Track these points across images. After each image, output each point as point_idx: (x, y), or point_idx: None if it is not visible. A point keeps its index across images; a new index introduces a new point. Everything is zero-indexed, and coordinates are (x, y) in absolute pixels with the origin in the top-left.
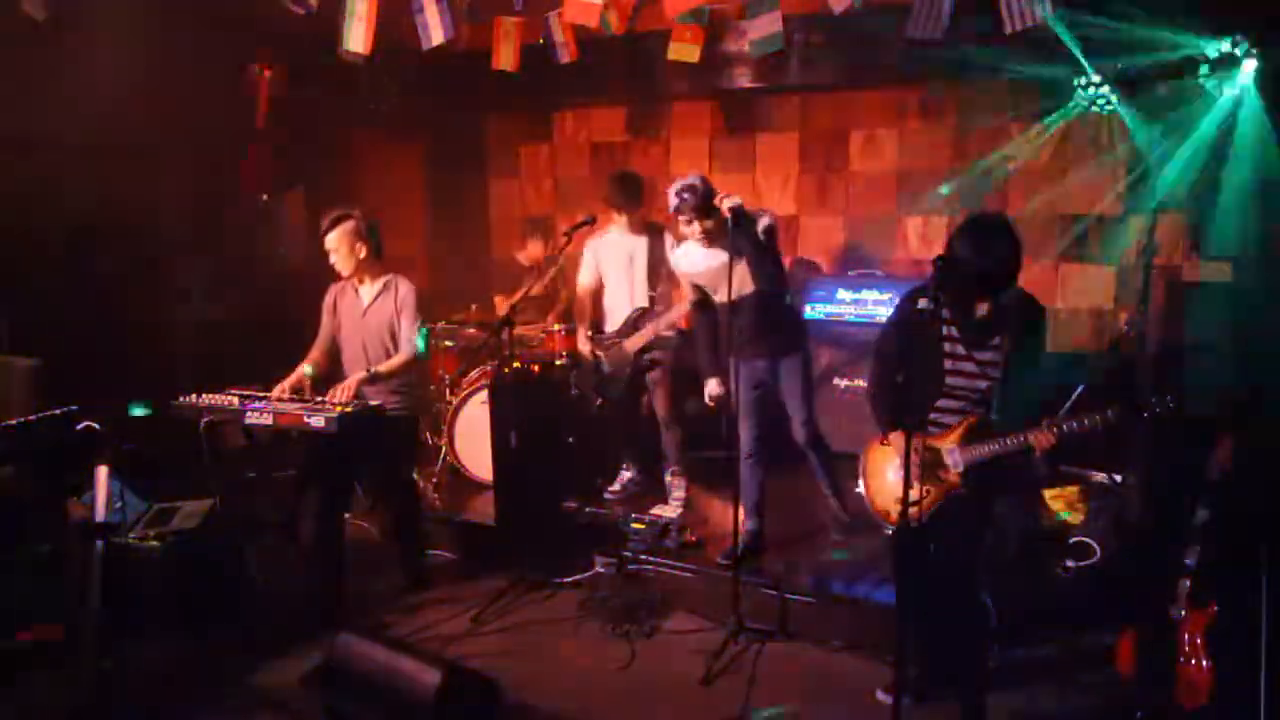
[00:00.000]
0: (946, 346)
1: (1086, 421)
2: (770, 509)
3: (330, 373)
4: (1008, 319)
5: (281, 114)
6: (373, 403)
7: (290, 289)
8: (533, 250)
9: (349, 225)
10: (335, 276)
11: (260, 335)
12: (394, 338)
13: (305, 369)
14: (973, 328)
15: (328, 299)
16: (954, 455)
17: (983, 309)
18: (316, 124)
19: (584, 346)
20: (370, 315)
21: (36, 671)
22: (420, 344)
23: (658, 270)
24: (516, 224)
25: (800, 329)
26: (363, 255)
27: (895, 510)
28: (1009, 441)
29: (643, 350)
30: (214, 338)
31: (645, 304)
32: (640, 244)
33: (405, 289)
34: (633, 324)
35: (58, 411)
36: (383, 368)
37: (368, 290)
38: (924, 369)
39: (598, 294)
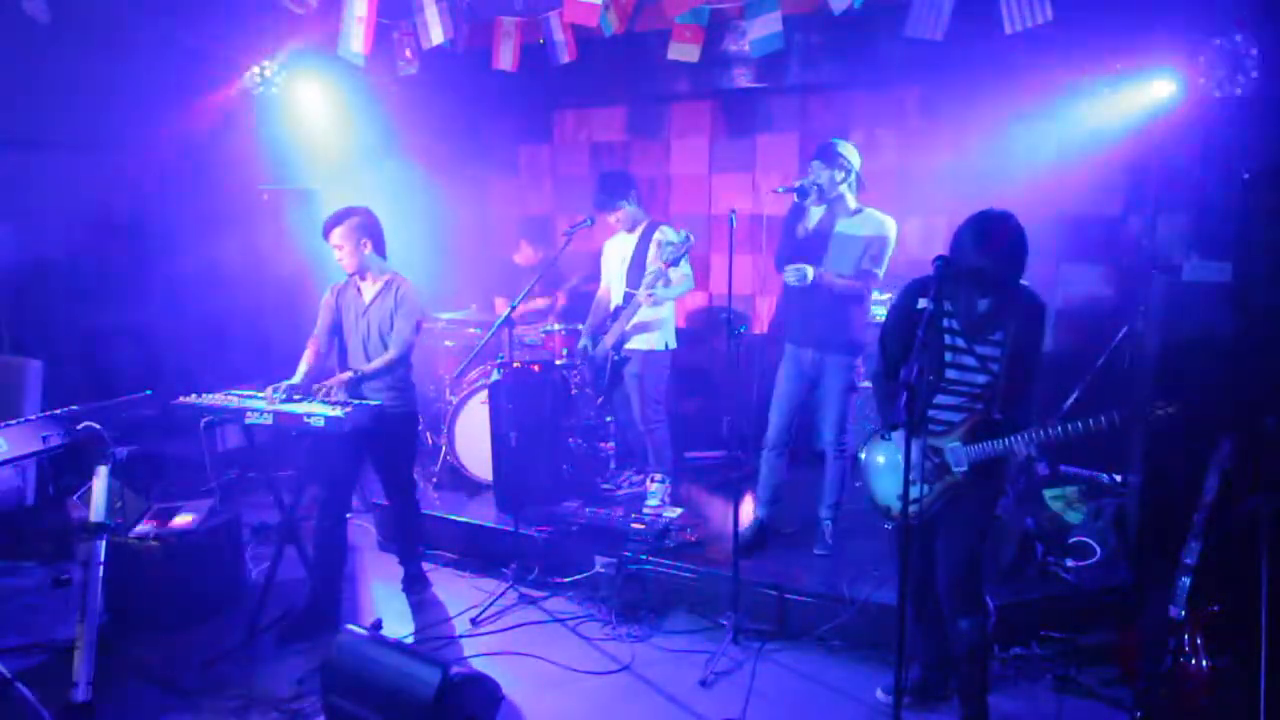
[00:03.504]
0: (947, 339)
1: (1091, 423)
2: (772, 507)
3: (324, 370)
4: (1010, 315)
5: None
6: (372, 402)
7: (293, 287)
8: (526, 252)
9: (352, 222)
10: (338, 275)
11: (262, 334)
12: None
13: (295, 379)
14: (974, 321)
15: (328, 297)
16: (957, 453)
17: (985, 304)
18: None
19: (581, 342)
20: (371, 313)
21: (36, 671)
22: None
23: (640, 268)
24: (515, 224)
25: (858, 329)
26: (366, 253)
27: (897, 506)
28: (1012, 441)
29: (617, 347)
30: (214, 337)
31: (623, 301)
32: (630, 242)
33: (406, 288)
34: (611, 320)
35: (59, 411)
36: (368, 367)
37: (369, 288)
38: (925, 362)
39: (608, 293)
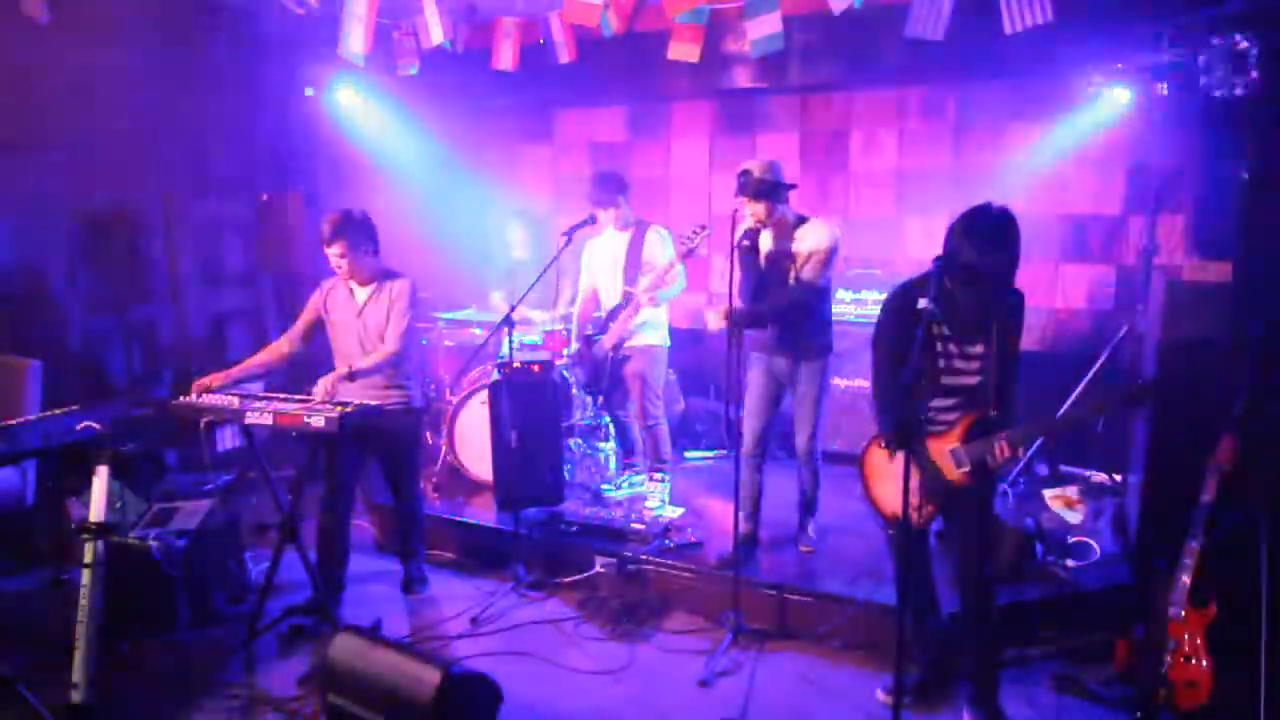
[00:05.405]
0: (943, 340)
1: (1085, 411)
2: (769, 507)
3: (298, 361)
4: (998, 312)
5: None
6: (371, 402)
7: (293, 287)
8: (519, 241)
9: (353, 229)
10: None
11: (261, 334)
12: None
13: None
14: (967, 321)
15: (317, 296)
16: (957, 454)
17: (977, 303)
18: None
19: (573, 345)
20: (366, 314)
21: (36, 671)
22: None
23: (636, 266)
24: (514, 224)
25: (828, 334)
26: (365, 255)
27: (898, 510)
28: (1010, 438)
29: (616, 345)
30: (214, 337)
31: (622, 300)
32: (623, 240)
33: (400, 286)
34: (609, 320)
35: (59, 411)
36: (362, 363)
37: (363, 290)
38: (920, 365)
39: (594, 294)
